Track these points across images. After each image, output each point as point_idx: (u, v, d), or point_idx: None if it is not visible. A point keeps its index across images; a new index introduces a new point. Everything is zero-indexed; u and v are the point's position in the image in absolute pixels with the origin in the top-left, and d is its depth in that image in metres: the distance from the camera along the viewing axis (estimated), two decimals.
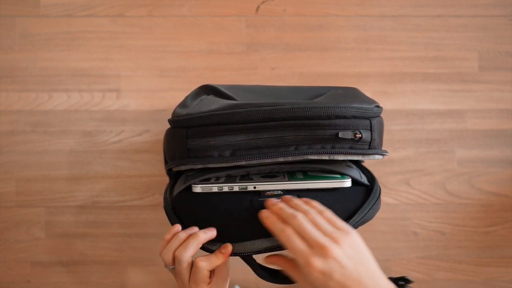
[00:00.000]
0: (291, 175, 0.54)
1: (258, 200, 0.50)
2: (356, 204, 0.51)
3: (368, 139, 0.49)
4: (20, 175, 0.81)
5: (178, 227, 0.50)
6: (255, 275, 0.51)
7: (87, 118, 0.81)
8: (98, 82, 0.81)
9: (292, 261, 0.46)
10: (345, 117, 0.48)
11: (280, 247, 0.48)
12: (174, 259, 0.48)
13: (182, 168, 0.51)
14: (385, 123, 0.74)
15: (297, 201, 0.48)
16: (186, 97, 0.60)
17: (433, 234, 0.81)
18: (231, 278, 0.80)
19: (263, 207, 0.49)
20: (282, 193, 0.51)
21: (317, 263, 0.39)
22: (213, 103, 0.52)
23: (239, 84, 0.66)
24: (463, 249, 0.81)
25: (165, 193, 0.55)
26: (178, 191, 0.53)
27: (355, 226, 0.49)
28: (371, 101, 0.53)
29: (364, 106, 0.49)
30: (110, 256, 0.81)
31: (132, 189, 0.81)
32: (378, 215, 0.54)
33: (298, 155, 0.48)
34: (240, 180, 0.53)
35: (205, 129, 0.49)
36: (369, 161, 0.76)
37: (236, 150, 0.49)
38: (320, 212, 0.45)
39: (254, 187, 0.51)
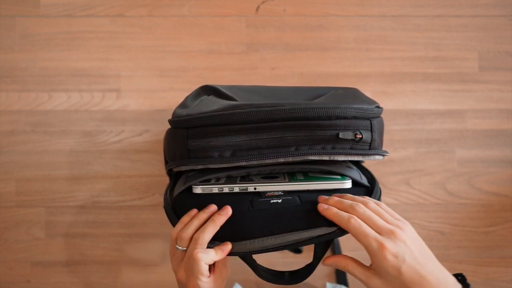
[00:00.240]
0: (292, 176, 0.54)
1: (259, 200, 0.50)
2: None
3: (369, 139, 0.49)
4: (20, 175, 0.81)
5: (195, 210, 0.50)
6: (255, 275, 0.51)
7: (87, 118, 0.81)
8: (98, 82, 0.81)
9: (353, 259, 0.47)
10: (345, 118, 0.48)
11: (280, 247, 0.48)
12: (190, 240, 0.48)
13: (183, 168, 0.51)
14: (385, 123, 0.74)
15: (351, 196, 0.50)
16: (186, 98, 0.60)
17: (433, 234, 0.81)
18: (232, 277, 0.80)
19: (263, 207, 0.49)
20: (282, 193, 0.51)
21: (390, 245, 0.42)
22: (214, 104, 0.52)
23: (239, 85, 0.66)
24: (463, 249, 0.82)
25: (166, 193, 0.55)
26: (178, 192, 0.53)
27: None
28: (371, 102, 0.53)
29: (364, 106, 0.49)
30: (110, 256, 0.81)
31: (132, 189, 0.81)
32: None
33: (298, 155, 0.48)
34: (240, 181, 0.53)
35: (205, 129, 0.49)
36: (369, 161, 0.76)
37: (237, 151, 0.49)
38: (378, 204, 0.48)
39: (255, 188, 0.51)
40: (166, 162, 0.58)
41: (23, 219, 0.81)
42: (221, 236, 0.48)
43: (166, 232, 0.81)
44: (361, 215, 0.45)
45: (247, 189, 0.51)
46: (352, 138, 0.48)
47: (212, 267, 0.49)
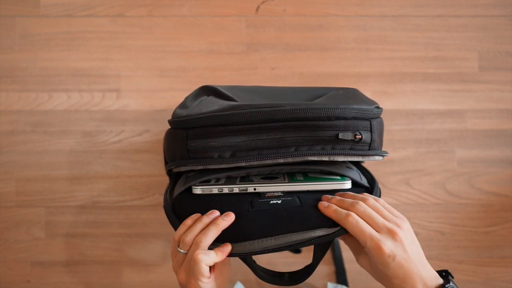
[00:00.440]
0: (291, 177, 0.54)
1: (258, 201, 0.50)
2: None
3: (368, 140, 0.49)
4: (20, 175, 0.81)
5: (199, 214, 0.50)
6: (255, 275, 0.51)
7: (87, 118, 0.81)
8: (98, 82, 0.81)
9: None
10: (345, 118, 0.48)
11: (279, 248, 0.48)
12: (192, 243, 0.48)
13: (183, 169, 0.51)
14: (385, 123, 0.74)
15: (351, 194, 0.50)
16: (186, 98, 0.60)
17: (433, 234, 0.81)
18: (232, 277, 0.80)
19: (263, 208, 0.49)
20: (282, 194, 0.51)
21: (388, 245, 0.43)
22: (213, 104, 0.52)
23: (239, 85, 0.66)
24: (463, 249, 0.82)
25: (165, 194, 0.55)
26: (178, 192, 0.53)
27: None
28: (371, 102, 0.53)
29: (364, 107, 0.49)
30: (110, 256, 0.81)
31: (132, 189, 0.81)
32: None
33: (298, 156, 0.48)
34: (240, 181, 0.53)
35: (205, 130, 0.49)
36: (369, 162, 0.76)
37: (236, 151, 0.49)
38: (376, 200, 0.48)
39: (254, 189, 0.51)
40: (166, 163, 0.58)
41: (23, 219, 0.81)
42: (221, 237, 0.48)
43: (166, 232, 0.81)
44: (360, 213, 0.46)
45: (246, 189, 0.51)
46: (352, 138, 0.48)
47: (212, 267, 0.49)
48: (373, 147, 0.50)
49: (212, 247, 0.48)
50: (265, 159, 0.49)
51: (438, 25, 0.81)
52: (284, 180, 0.53)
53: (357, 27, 0.81)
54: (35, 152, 0.80)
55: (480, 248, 0.82)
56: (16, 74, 0.80)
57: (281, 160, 0.49)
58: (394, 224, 0.45)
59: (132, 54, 0.81)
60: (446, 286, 0.44)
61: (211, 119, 0.48)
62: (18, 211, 0.81)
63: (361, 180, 0.55)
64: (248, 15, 0.81)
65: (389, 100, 0.81)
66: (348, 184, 0.52)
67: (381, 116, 0.53)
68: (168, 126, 0.55)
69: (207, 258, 0.46)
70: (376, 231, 0.45)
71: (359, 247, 0.48)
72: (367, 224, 0.45)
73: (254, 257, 0.50)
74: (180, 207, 0.52)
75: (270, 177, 0.54)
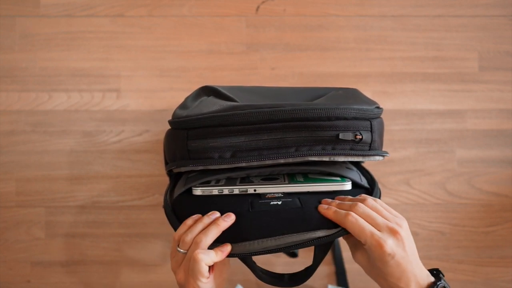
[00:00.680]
0: (291, 178, 0.54)
1: (259, 202, 0.50)
2: None
3: (369, 140, 0.49)
4: (20, 175, 0.81)
5: (199, 215, 0.50)
6: (254, 276, 0.51)
7: (87, 118, 0.81)
8: (98, 82, 0.81)
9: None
10: (345, 118, 0.48)
11: (279, 249, 0.48)
12: (192, 243, 0.48)
13: (183, 169, 0.51)
14: (385, 123, 0.74)
15: (350, 197, 0.51)
16: (186, 98, 0.60)
17: (433, 234, 0.82)
18: (232, 278, 0.80)
19: (263, 209, 0.49)
20: (282, 195, 0.51)
21: (389, 243, 0.44)
22: (214, 105, 0.52)
23: (239, 85, 0.66)
24: (463, 249, 0.82)
25: (165, 194, 0.55)
26: (178, 193, 0.53)
27: None
28: (371, 102, 0.53)
29: (364, 107, 0.49)
30: (110, 256, 0.81)
31: (132, 189, 0.81)
32: None
33: (298, 156, 0.48)
34: (240, 182, 0.53)
35: (205, 130, 0.49)
36: (369, 162, 0.76)
37: (237, 152, 0.49)
38: (375, 201, 0.49)
39: (255, 190, 0.51)
40: (166, 163, 0.58)
41: (23, 219, 0.81)
42: (221, 237, 0.48)
43: (166, 232, 0.81)
44: (360, 214, 0.46)
45: (247, 190, 0.51)
46: (352, 138, 0.48)
47: (211, 268, 0.49)
48: (373, 147, 0.50)
49: (212, 247, 0.48)
50: (265, 160, 0.49)
51: (438, 25, 0.81)
52: (284, 181, 0.53)
53: (357, 27, 0.81)
54: (35, 152, 0.80)
55: (480, 248, 0.82)
56: (16, 74, 0.80)
57: (282, 161, 0.49)
58: (395, 223, 0.46)
59: (132, 54, 0.81)
60: (438, 283, 0.46)
61: (211, 120, 0.48)
62: (18, 211, 0.81)
63: (361, 181, 0.55)
64: (248, 15, 0.81)
65: (389, 100, 0.81)
66: (348, 185, 0.52)
67: (381, 116, 0.53)
68: (168, 126, 0.55)
69: (207, 257, 0.46)
70: (377, 230, 0.45)
71: (358, 243, 0.48)
72: (367, 223, 0.46)
73: (254, 258, 0.50)
74: (180, 208, 0.52)
75: (270, 178, 0.54)
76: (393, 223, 0.46)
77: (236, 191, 0.51)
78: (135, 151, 0.81)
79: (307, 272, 0.50)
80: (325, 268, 0.82)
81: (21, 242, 0.81)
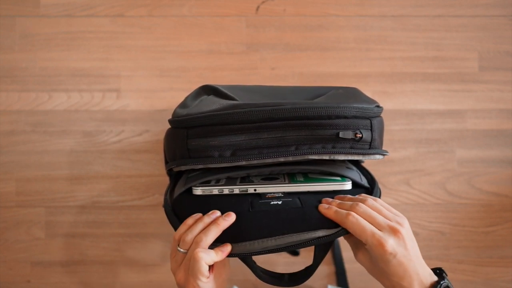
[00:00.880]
0: (292, 177, 0.54)
1: (259, 202, 0.49)
2: None
3: (369, 139, 0.49)
4: (20, 175, 0.81)
5: (200, 214, 0.50)
6: (254, 276, 0.51)
7: (87, 118, 0.81)
8: (98, 82, 0.81)
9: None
10: (345, 117, 0.48)
11: (279, 249, 0.48)
12: (192, 242, 0.48)
13: (183, 168, 0.51)
14: (385, 123, 0.74)
15: (350, 197, 0.51)
16: (187, 98, 0.60)
17: (433, 234, 0.81)
18: (232, 278, 0.80)
19: (263, 209, 0.49)
20: (282, 195, 0.51)
21: (390, 243, 0.44)
22: (214, 103, 0.52)
23: (239, 84, 0.66)
24: (463, 249, 0.81)
25: (166, 194, 0.55)
26: (178, 193, 0.53)
27: None
28: (371, 101, 0.53)
29: (364, 106, 0.49)
30: (110, 256, 0.81)
31: (132, 189, 0.81)
32: None
33: (298, 155, 0.48)
34: (240, 182, 0.53)
35: (205, 129, 0.49)
36: (369, 161, 0.76)
37: (237, 150, 0.49)
38: (375, 200, 0.49)
39: (255, 190, 0.51)
40: (166, 162, 0.58)
41: (23, 219, 0.81)
42: (222, 237, 0.48)
43: (166, 232, 0.81)
44: (361, 213, 0.46)
45: (247, 190, 0.51)
46: (352, 137, 0.48)
47: (211, 268, 0.49)
48: (373, 146, 0.50)
49: (212, 247, 0.48)
50: (265, 158, 0.49)
51: (438, 25, 0.81)
52: (285, 181, 0.53)
53: (357, 27, 0.81)
54: (35, 152, 0.80)
55: (480, 248, 0.82)
56: (16, 74, 0.80)
57: (282, 159, 0.49)
58: (396, 222, 0.46)
59: (132, 54, 0.81)
60: (441, 282, 0.46)
61: (211, 118, 0.48)
62: (18, 211, 0.81)
63: (361, 181, 0.55)
64: (248, 15, 0.81)
65: (389, 100, 0.81)
66: (348, 185, 0.52)
67: (381, 115, 0.53)
68: (168, 126, 0.55)
69: (207, 256, 0.46)
70: (378, 229, 0.45)
71: (359, 243, 0.48)
72: (368, 222, 0.46)
73: (254, 258, 0.50)
74: (180, 207, 0.52)
75: (270, 178, 0.54)
76: (394, 222, 0.46)
77: (236, 191, 0.51)
78: (135, 151, 0.81)
79: (307, 272, 0.50)
80: (325, 268, 0.81)
81: (21, 242, 0.81)
